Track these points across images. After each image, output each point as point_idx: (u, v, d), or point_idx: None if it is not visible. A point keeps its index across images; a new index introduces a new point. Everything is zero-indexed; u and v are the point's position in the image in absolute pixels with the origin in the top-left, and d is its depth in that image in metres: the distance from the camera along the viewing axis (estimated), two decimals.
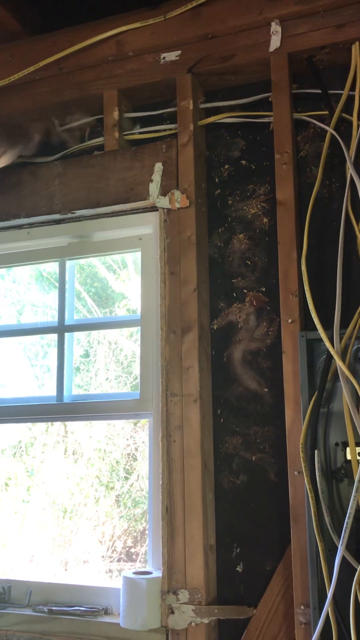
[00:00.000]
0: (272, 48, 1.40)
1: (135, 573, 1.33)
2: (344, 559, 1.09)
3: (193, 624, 1.26)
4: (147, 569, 1.38)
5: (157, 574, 1.32)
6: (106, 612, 1.38)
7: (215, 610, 1.27)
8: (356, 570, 1.07)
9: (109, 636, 1.33)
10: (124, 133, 1.55)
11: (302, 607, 1.19)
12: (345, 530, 1.07)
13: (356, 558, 1.10)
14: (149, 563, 1.40)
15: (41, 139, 1.62)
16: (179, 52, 1.48)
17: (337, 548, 1.09)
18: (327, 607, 1.07)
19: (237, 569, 1.32)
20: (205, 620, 1.25)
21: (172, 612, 1.27)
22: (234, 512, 1.35)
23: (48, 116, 1.62)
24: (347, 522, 1.07)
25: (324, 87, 1.39)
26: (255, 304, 1.41)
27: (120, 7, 1.51)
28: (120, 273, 3.39)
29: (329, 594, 1.07)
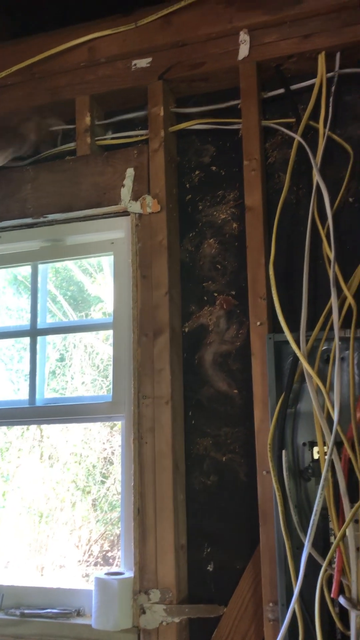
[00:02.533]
0: (240, 56, 1.43)
1: (107, 574, 1.34)
2: (310, 556, 1.12)
3: (164, 623, 1.27)
4: (120, 569, 1.39)
5: (129, 574, 1.34)
6: (79, 613, 1.39)
7: (186, 610, 1.28)
8: (322, 566, 1.10)
9: (82, 637, 1.34)
10: (96, 138, 1.57)
11: (270, 604, 1.21)
12: (311, 528, 1.09)
13: (323, 555, 1.13)
14: (122, 564, 1.41)
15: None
16: (150, 59, 1.50)
17: (304, 546, 1.12)
18: (294, 603, 1.09)
19: (208, 568, 1.34)
20: (177, 620, 1.27)
21: (144, 612, 1.28)
22: (204, 512, 1.36)
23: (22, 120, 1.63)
24: (313, 520, 1.09)
25: (292, 95, 1.43)
26: (225, 307, 1.44)
27: (92, 14, 1.52)
28: (96, 276, 3.40)
29: (296, 591, 1.09)
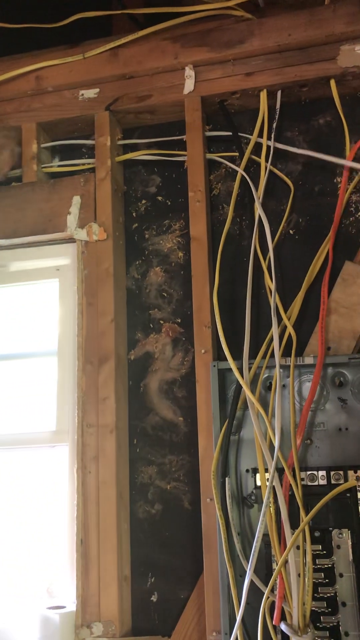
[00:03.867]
0: (186, 91, 1.47)
1: (49, 608, 1.31)
2: (252, 583, 1.12)
3: None
4: (62, 603, 1.36)
5: (72, 607, 1.31)
6: None
7: None
8: (264, 594, 1.10)
9: None
10: (43, 165, 1.57)
11: (214, 633, 1.21)
12: (253, 555, 1.10)
13: (265, 583, 1.13)
14: (64, 597, 1.38)
15: None
16: (98, 89, 1.53)
17: (247, 573, 1.12)
18: (236, 630, 1.09)
19: (152, 598, 1.33)
20: None
21: None
22: (149, 542, 1.36)
23: None
24: (254, 547, 1.10)
25: (235, 129, 1.47)
26: (171, 334, 1.45)
27: (39, 44, 1.54)
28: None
29: (238, 618, 1.09)
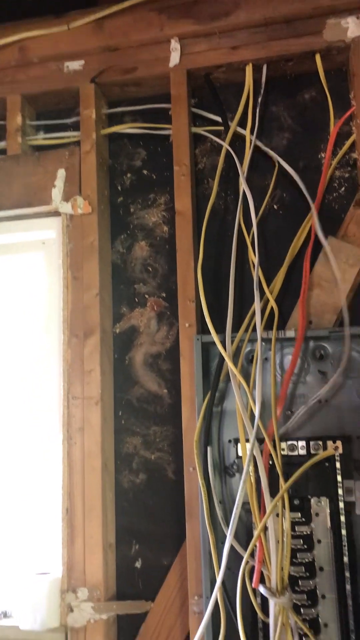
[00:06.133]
0: (171, 64, 1.46)
1: (35, 574, 1.34)
2: (233, 549, 1.16)
3: (92, 620, 1.28)
4: (48, 570, 1.39)
5: (57, 574, 1.34)
6: (5, 615, 1.38)
7: (114, 606, 1.30)
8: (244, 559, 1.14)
9: (9, 639, 1.33)
10: (28, 138, 1.56)
11: (196, 597, 1.25)
12: (232, 521, 1.13)
13: (246, 549, 1.17)
14: (50, 564, 1.41)
15: None
16: (83, 61, 1.51)
17: (227, 538, 1.15)
18: (216, 592, 1.13)
19: (136, 565, 1.36)
20: (104, 617, 1.28)
21: (72, 611, 1.29)
22: (133, 511, 1.39)
23: None
24: (235, 513, 1.13)
25: (220, 103, 1.47)
26: (155, 309, 1.47)
27: (23, 14, 1.52)
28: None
29: (218, 581, 1.13)
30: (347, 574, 1.17)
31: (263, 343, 1.27)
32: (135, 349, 1.46)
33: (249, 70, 1.44)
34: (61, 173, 1.48)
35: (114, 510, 1.39)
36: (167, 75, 1.47)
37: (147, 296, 1.47)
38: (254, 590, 1.16)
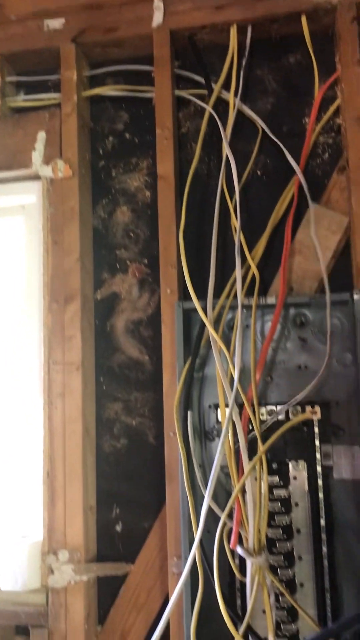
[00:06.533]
0: (154, 24, 1.43)
1: (15, 537, 1.36)
2: (212, 512, 1.17)
3: (72, 582, 1.30)
4: (29, 532, 1.40)
5: (39, 536, 1.35)
6: None
7: (94, 568, 1.32)
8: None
9: None
10: (7, 99, 1.53)
11: (175, 559, 1.27)
12: (211, 482, 1.15)
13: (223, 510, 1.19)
14: (31, 527, 1.43)
15: None
16: (63, 20, 1.47)
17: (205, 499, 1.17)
18: (194, 552, 1.15)
19: (117, 528, 1.38)
20: (84, 578, 1.30)
21: (52, 572, 1.31)
22: (114, 475, 1.40)
23: None
24: (213, 475, 1.15)
25: (204, 66, 1.44)
26: (137, 275, 1.46)
27: None
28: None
29: (196, 540, 1.15)
30: (324, 536, 1.20)
31: (244, 310, 1.27)
32: (117, 315, 1.45)
33: (233, 31, 1.41)
34: (41, 136, 1.46)
35: (95, 474, 1.40)
36: (150, 35, 1.44)
37: (128, 262, 1.46)
38: (232, 552, 1.18)
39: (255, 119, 1.41)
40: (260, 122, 1.41)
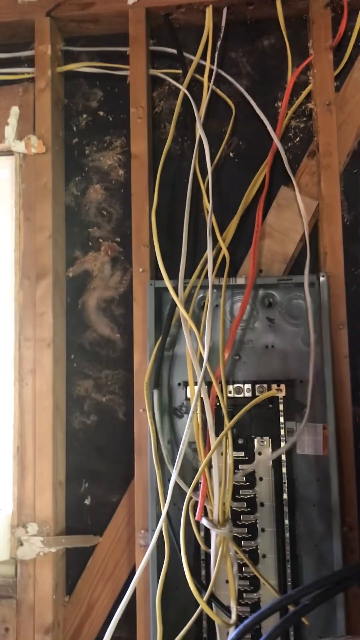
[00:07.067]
0: (130, 1, 1.42)
1: None
2: (179, 487, 1.21)
3: (41, 553, 1.33)
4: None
5: (8, 510, 1.37)
6: None
7: (63, 540, 1.35)
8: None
9: None
10: None
11: (142, 531, 1.30)
12: (178, 457, 1.18)
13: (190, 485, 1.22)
14: (1, 501, 1.44)
15: None
16: None
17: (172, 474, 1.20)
18: (161, 524, 1.18)
19: (86, 502, 1.41)
20: (53, 550, 1.33)
21: (21, 544, 1.33)
22: (84, 450, 1.42)
23: None
24: (180, 449, 1.18)
25: (180, 45, 1.44)
26: (110, 253, 1.47)
27: None
28: None
29: (163, 513, 1.18)
30: (286, 509, 1.25)
31: (214, 290, 1.29)
32: (89, 293, 1.46)
33: (209, 12, 1.41)
34: (14, 110, 1.44)
35: (65, 449, 1.42)
36: (126, 13, 1.43)
37: (101, 240, 1.47)
38: (198, 524, 1.22)
39: (228, 101, 1.42)
40: (233, 104, 1.41)
